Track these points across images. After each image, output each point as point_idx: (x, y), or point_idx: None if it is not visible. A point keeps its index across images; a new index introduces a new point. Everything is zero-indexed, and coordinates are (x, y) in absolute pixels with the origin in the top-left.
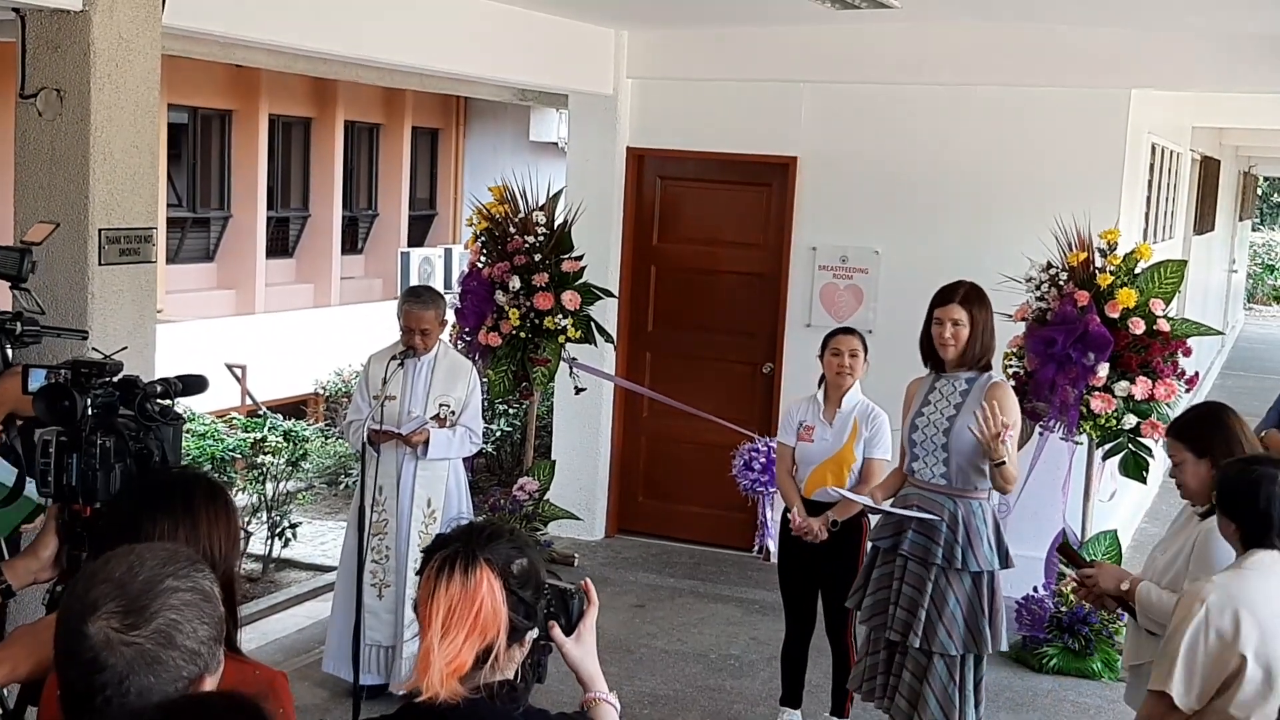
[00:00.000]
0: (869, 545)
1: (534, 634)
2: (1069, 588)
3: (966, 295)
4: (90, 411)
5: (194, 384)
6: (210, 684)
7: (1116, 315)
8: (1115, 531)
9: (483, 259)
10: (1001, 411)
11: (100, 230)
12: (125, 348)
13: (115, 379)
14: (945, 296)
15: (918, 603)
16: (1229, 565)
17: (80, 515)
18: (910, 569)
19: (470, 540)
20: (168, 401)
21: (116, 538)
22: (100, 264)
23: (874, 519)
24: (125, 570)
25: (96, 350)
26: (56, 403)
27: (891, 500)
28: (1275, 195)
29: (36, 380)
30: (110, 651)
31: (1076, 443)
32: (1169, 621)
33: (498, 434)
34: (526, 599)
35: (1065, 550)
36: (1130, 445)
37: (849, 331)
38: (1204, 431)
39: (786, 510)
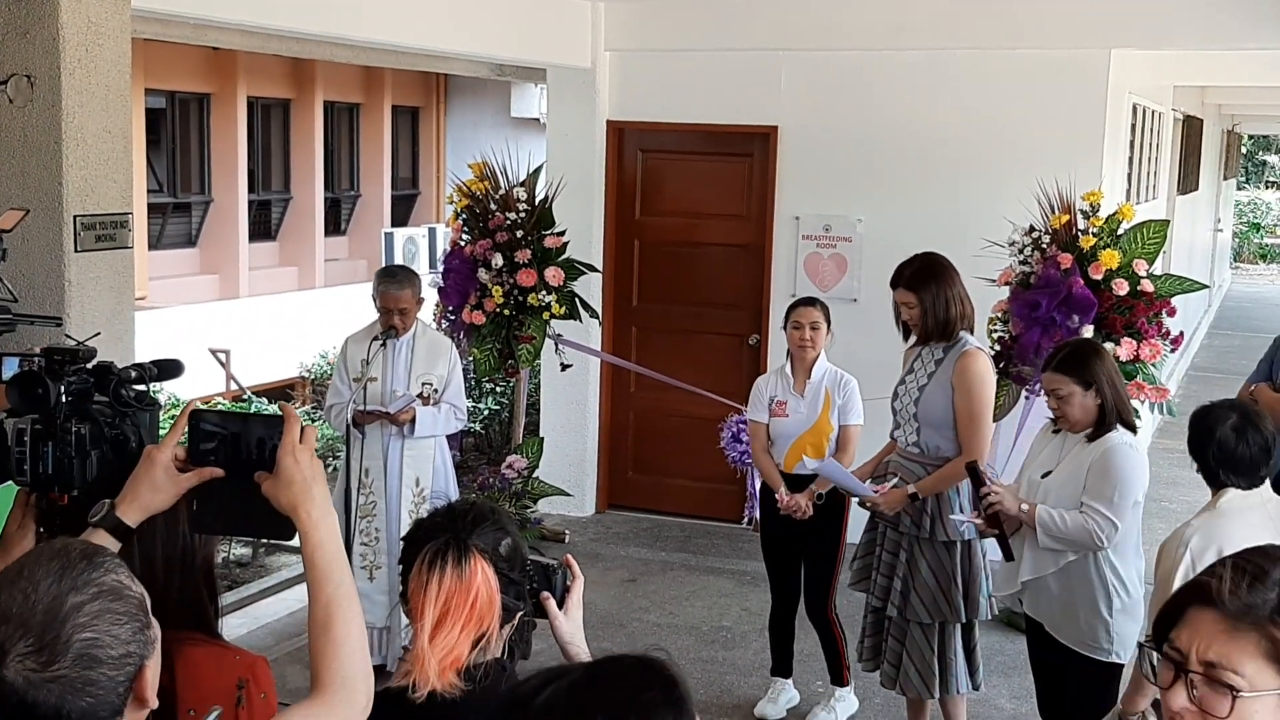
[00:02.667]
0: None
1: (521, 612)
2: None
3: (911, 277)
4: (65, 399)
5: (169, 368)
6: (152, 666)
7: (1100, 277)
8: None
9: (464, 237)
10: (965, 387)
11: (75, 217)
12: (99, 334)
13: (89, 365)
14: (894, 280)
15: (895, 569)
16: (1204, 507)
17: (57, 503)
18: (889, 535)
19: (456, 527)
20: (143, 387)
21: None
22: (76, 251)
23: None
24: (21, 602)
25: (70, 338)
26: (30, 391)
27: (875, 468)
28: (1260, 153)
29: (9, 369)
30: (36, 690)
31: None
32: (1076, 536)
33: (485, 412)
34: (516, 579)
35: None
36: None
37: (809, 302)
38: (1089, 364)
39: (773, 490)
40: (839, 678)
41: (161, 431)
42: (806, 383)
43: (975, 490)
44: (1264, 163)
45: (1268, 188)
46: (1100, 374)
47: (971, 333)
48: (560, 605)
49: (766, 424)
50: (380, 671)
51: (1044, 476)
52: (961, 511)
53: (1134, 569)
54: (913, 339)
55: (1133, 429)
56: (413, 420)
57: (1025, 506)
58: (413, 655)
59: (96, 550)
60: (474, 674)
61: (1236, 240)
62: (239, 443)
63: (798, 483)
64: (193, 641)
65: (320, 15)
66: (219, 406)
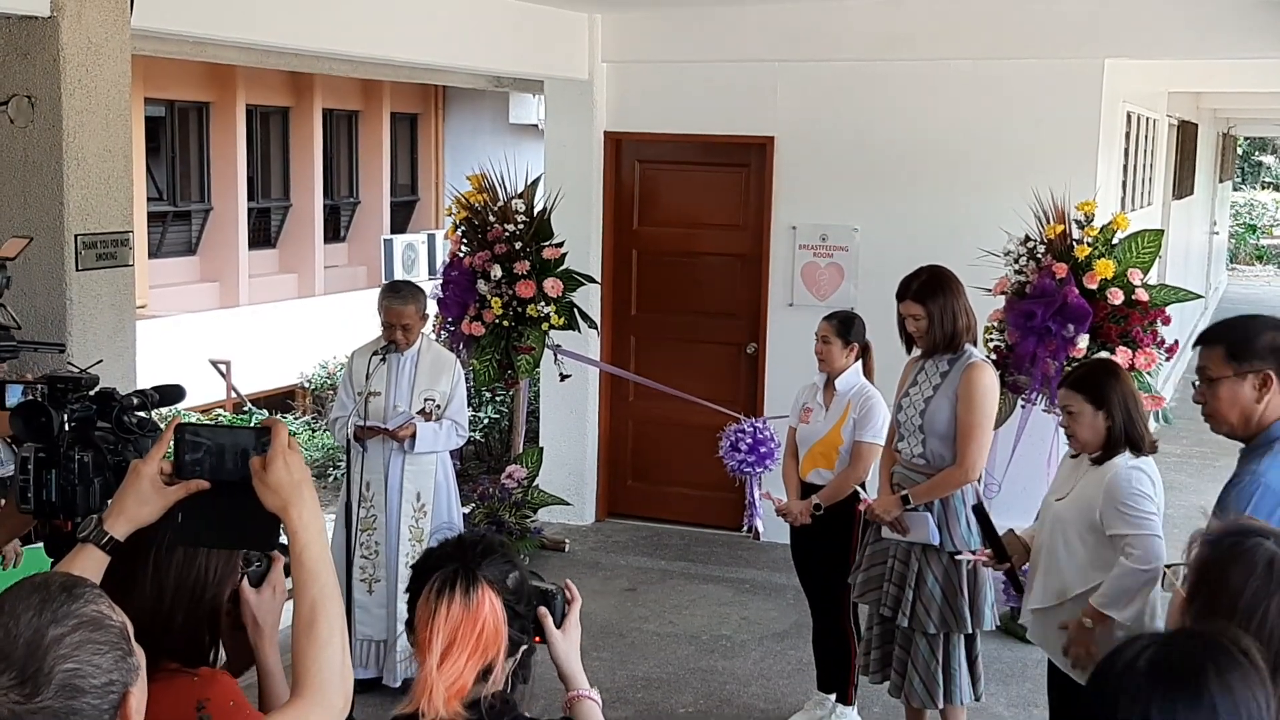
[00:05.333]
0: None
1: (525, 646)
2: None
3: (919, 289)
4: (68, 426)
5: (171, 394)
6: (137, 693)
7: (1095, 286)
8: None
9: (463, 248)
10: (968, 397)
11: (76, 236)
12: (101, 361)
13: (92, 393)
14: (901, 292)
15: (907, 579)
16: None
17: (61, 530)
18: (900, 545)
19: (466, 558)
20: (145, 413)
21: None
22: (77, 270)
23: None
24: (2, 636)
25: (73, 365)
26: (34, 419)
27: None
28: (1256, 153)
29: (13, 397)
30: None
31: (1059, 414)
32: (1130, 583)
33: (485, 421)
34: (521, 612)
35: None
36: None
37: (828, 317)
38: (1103, 385)
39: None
40: (844, 695)
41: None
42: (833, 395)
43: (983, 530)
44: (1260, 163)
45: (1264, 188)
46: (1113, 395)
47: (975, 345)
48: (558, 625)
49: (795, 429)
50: (376, 684)
51: (1058, 501)
52: (968, 546)
53: None
54: (916, 351)
55: (1139, 452)
56: (413, 436)
57: (1088, 622)
58: (419, 683)
59: (76, 582)
60: (479, 704)
61: (1233, 242)
62: (224, 455)
63: (814, 491)
64: (159, 675)
65: (318, 32)
66: (219, 416)
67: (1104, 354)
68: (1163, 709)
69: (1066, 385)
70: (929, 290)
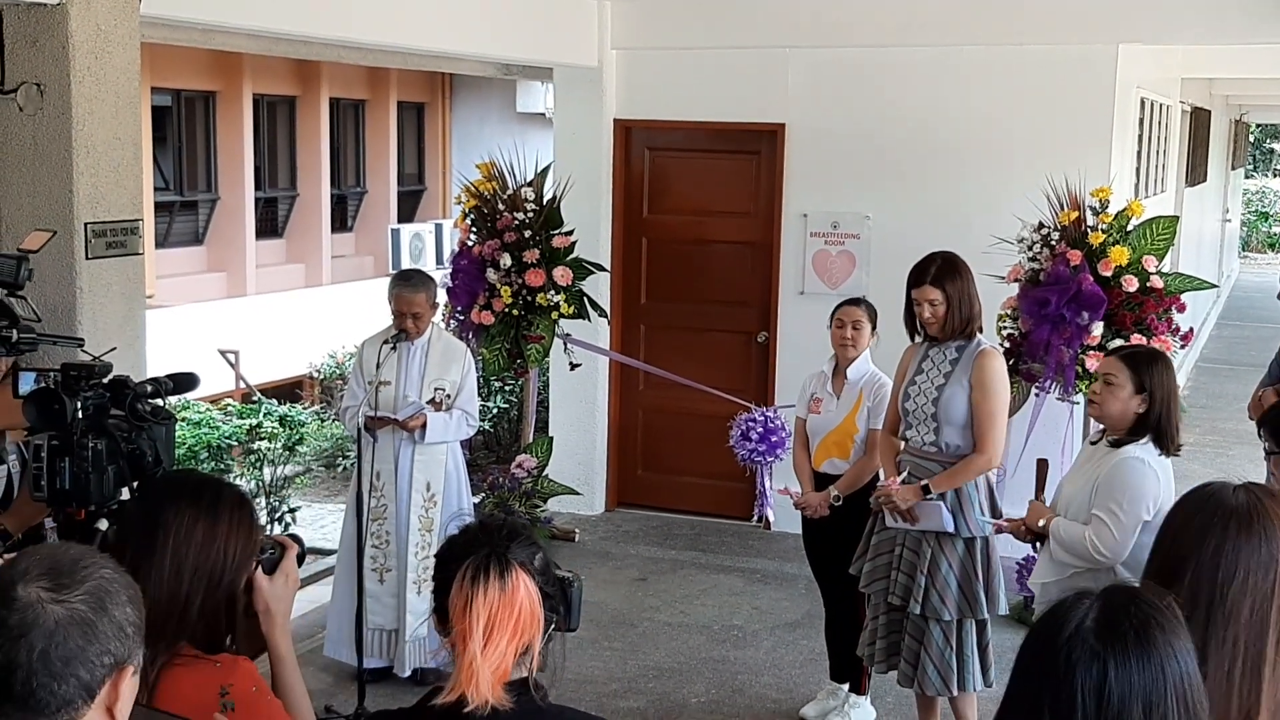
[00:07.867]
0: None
1: (553, 624)
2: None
3: (938, 273)
4: (81, 414)
5: (185, 382)
6: (130, 677)
7: (1109, 273)
8: None
9: (473, 237)
10: (984, 384)
11: (86, 224)
12: (114, 348)
13: (105, 380)
14: (918, 278)
15: (917, 567)
16: None
17: (75, 518)
18: (910, 533)
19: (494, 541)
20: (159, 401)
21: (139, 523)
22: (87, 258)
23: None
24: (49, 552)
25: (86, 353)
26: (47, 407)
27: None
28: (1268, 141)
29: (26, 384)
30: (41, 610)
31: (1073, 403)
32: (1073, 546)
33: (494, 411)
34: (550, 592)
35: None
36: None
37: (854, 302)
38: (1155, 372)
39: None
40: (857, 685)
41: (182, 434)
42: (844, 383)
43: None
44: (1272, 151)
45: (1275, 176)
46: (1157, 383)
47: (981, 331)
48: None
49: (805, 420)
50: (387, 674)
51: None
52: (982, 532)
53: None
54: (919, 338)
55: (1162, 447)
56: (424, 426)
57: (1043, 523)
58: (462, 670)
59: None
60: (518, 686)
61: (1245, 229)
62: None
63: (827, 482)
64: (180, 660)
65: (327, 19)
66: (227, 406)
67: (1163, 353)
68: (1118, 670)
69: (1116, 356)
70: (947, 274)
